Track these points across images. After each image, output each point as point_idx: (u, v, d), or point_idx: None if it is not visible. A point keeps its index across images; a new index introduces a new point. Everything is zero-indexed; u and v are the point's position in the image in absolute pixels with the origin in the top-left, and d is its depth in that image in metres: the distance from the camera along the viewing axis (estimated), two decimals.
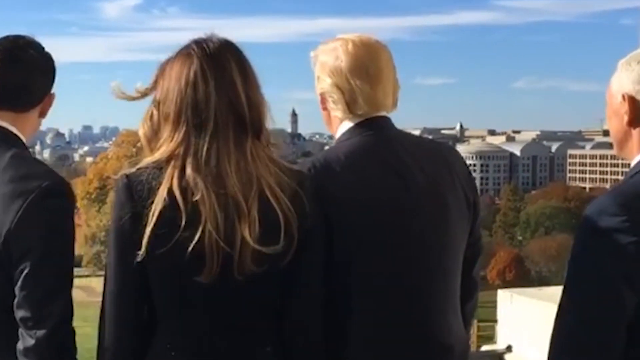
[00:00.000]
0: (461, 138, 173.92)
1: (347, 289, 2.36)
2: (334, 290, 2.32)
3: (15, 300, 2.22)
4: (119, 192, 2.18)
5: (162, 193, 2.12)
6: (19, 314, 2.21)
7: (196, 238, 2.10)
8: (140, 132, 2.27)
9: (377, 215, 2.38)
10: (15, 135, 2.42)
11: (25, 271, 2.20)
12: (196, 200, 2.12)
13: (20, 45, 2.46)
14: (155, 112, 2.25)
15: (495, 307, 11.45)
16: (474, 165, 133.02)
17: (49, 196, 2.25)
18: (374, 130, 2.47)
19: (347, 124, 2.50)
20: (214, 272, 2.13)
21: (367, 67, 2.46)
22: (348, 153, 2.42)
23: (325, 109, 2.55)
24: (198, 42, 2.25)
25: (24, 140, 2.47)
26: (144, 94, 2.30)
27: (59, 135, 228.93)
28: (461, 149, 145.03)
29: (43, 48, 2.52)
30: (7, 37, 2.49)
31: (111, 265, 2.21)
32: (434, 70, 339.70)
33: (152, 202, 2.12)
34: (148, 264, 2.15)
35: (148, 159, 2.21)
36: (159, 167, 2.17)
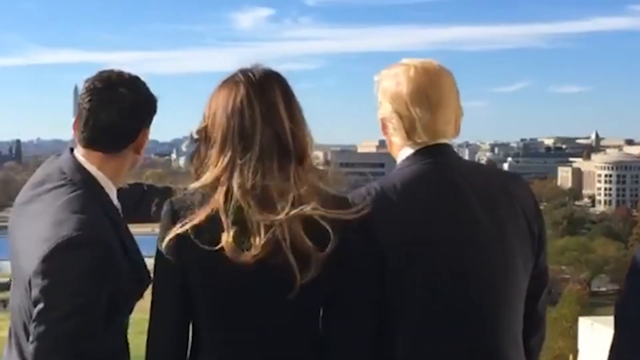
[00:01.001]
0: (597, 147, 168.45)
1: (398, 318, 2.32)
2: (386, 315, 2.29)
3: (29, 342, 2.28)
4: (164, 217, 2.24)
5: (207, 216, 2.16)
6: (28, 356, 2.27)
7: (243, 259, 2.14)
8: (191, 169, 2.31)
9: (432, 246, 2.31)
10: (91, 176, 2.45)
11: (33, 317, 2.24)
12: (244, 221, 2.16)
13: (110, 84, 2.45)
14: (202, 147, 2.30)
15: None
16: (610, 175, 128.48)
17: (67, 249, 2.25)
18: (433, 158, 2.41)
19: (407, 151, 2.45)
20: (259, 293, 2.18)
21: (428, 94, 2.41)
22: (405, 181, 2.38)
23: (386, 134, 2.51)
24: (244, 71, 2.29)
25: (108, 179, 2.48)
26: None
27: (193, 142, 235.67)
28: (597, 159, 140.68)
29: (137, 83, 2.51)
30: (100, 74, 2.48)
31: (156, 287, 2.28)
32: (568, 79, 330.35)
33: (196, 225, 2.16)
34: (193, 284, 2.20)
35: (194, 184, 2.26)
36: (204, 193, 2.21)
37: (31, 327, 2.25)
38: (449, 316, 2.32)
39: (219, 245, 2.14)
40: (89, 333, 2.27)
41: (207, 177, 2.24)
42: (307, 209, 2.19)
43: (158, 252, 2.25)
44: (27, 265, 2.30)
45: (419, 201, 2.34)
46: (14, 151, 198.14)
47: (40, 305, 2.23)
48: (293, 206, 2.18)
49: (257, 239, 2.15)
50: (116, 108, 2.43)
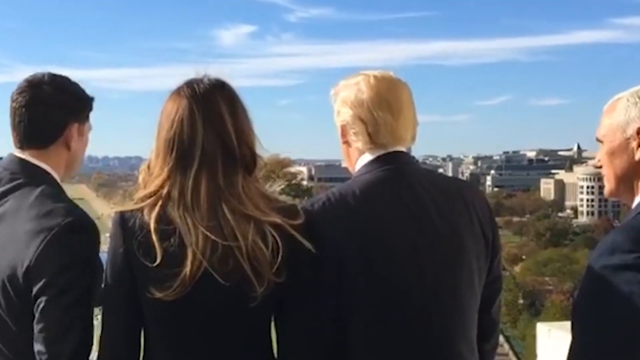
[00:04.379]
0: (578, 159, 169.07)
1: (355, 324, 2.33)
2: (341, 324, 2.31)
3: (34, 333, 2.29)
4: (114, 227, 2.27)
5: (148, 229, 2.19)
6: (36, 347, 2.28)
7: (184, 273, 2.15)
8: (140, 179, 2.34)
9: (390, 251, 2.34)
10: (43, 170, 2.52)
11: (41, 306, 2.27)
12: (181, 234, 2.18)
13: (35, 84, 2.55)
14: (152, 159, 2.32)
15: None
16: (592, 187, 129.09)
17: (70, 233, 2.32)
18: (391, 165, 2.45)
19: (366, 158, 2.49)
20: (209, 304, 2.20)
21: (389, 100, 2.46)
22: (364, 187, 2.41)
23: (345, 142, 2.54)
24: (189, 83, 2.32)
25: (55, 174, 2.55)
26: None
27: None
28: (579, 170, 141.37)
29: (62, 81, 2.59)
30: (26, 78, 2.58)
31: (106, 295, 2.30)
32: (549, 91, 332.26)
33: (141, 237, 2.20)
34: (140, 296, 2.23)
35: (139, 194, 2.28)
36: (149, 204, 2.24)
37: (37, 318, 2.27)
38: (404, 319, 2.35)
39: (156, 262, 2.16)
40: (91, 316, 2.33)
41: (149, 189, 2.27)
42: (259, 218, 2.22)
43: (108, 262, 2.28)
44: (10, 263, 2.31)
45: (378, 207, 2.38)
46: None
47: (48, 295, 2.26)
48: (243, 217, 2.21)
49: (194, 253, 2.16)
50: (40, 104, 2.51)
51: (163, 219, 2.20)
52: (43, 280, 2.27)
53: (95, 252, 2.37)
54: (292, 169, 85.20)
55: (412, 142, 2.57)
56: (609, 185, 2.28)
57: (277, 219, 2.23)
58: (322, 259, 2.28)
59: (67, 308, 2.27)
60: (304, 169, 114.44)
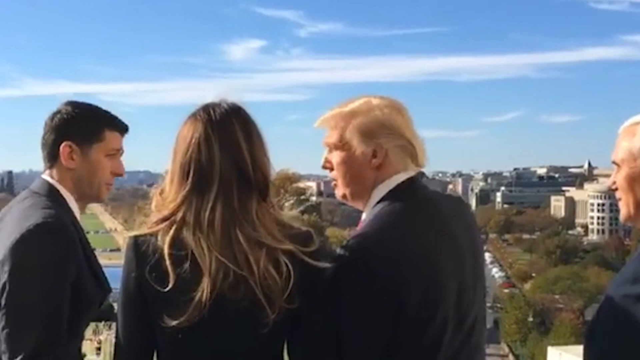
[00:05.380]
0: (589, 176, 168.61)
1: (404, 345, 2.28)
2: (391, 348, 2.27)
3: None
4: (127, 252, 2.28)
5: (161, 254, 2.19)
6: (2, 346, 2.33)
7: (198, 299, 2.15)
8: (153, 205, 2.33)
9: (434, 272, 2.29)
10: (52, 186, 2.65)
11: (1, 305, 2.33)
12: (196, 260, 2.17)
13: (52, 114, 2.70)
14: (167, 184, 2.32)
15: None
16: (603, 204, 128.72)
17: (30, 236, 2.38)
18: (413, 191, 2.42)
19: (388, 185, 2.41)
20: (222, 329, 2.19)
21: (410, 123, 2.45)
22: (399, 218, 2.34)
23: (380, 166, 2.41)
24: (205, 108, 2.33)
25: (64, 190, 2.65)
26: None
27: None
28: (590, 187, 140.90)
29: (67, 105, 2.70)
30: None
31: (119, 319, 2.31)
32: (560, 108, 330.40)
33: (153, 262, 2.20)
34: (153, 321, 2.23)
35: (153, 218, 2.29)
36: (163, 228, 2.24)
37: (0, 314, 2.32)
38: (448, 335, 2.30)
39: (168, 288, 2.16)
40: (58, 318, 2.34)
41: (164, 213, 2.27)
42: (271, 245, 2.21)
43: (121, 287, 2.29)
44: None
45: (415, 234, 2.32)
46: (5, 182, 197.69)
47: (7, 289, 2.32)
48: (256, 244, 2.20)
49: (209, 278, 2.16)
50: (44, 129, 2.70)
51: (177, 243, 2.20)
52: (4, 279, 2.34)
53: (64, 255, 2.40)
54: (301, 184, 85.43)
55: None
56: (626, 210, 2.25)
57: (291, 247, 2.22)
58: (374, 292, 2.23)
59: (24, 307, 2.31)
60: (313, 184, 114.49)
